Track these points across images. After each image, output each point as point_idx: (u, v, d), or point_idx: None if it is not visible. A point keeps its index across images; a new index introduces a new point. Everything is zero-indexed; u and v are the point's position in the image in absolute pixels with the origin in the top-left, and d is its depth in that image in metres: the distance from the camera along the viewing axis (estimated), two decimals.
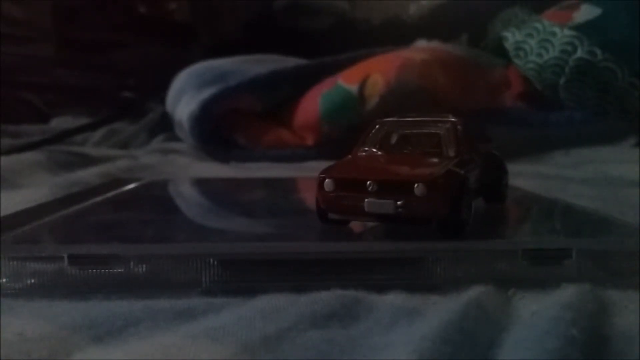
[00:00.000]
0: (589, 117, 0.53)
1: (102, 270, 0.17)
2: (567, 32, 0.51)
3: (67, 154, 0.51)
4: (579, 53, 0.51)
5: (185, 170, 0.50)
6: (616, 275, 0.18)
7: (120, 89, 0.88)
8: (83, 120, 0.70)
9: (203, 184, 0.38)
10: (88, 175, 0.40)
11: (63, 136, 0.59)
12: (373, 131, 0.23)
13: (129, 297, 0.17)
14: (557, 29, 0.52)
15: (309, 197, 0.34)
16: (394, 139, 0.22)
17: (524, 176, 0.40)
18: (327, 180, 0.19)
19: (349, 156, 0.22)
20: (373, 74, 0.54)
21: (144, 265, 0.17)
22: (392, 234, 0.20)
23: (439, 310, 0.16)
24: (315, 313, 0.15)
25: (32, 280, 0.17)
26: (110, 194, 0.28)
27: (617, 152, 0.49)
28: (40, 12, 0.88)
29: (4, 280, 0.17)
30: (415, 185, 0.18)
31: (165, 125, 0.67)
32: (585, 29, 0.51)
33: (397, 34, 0.72)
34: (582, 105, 0.53)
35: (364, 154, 0.22)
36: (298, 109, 0.57)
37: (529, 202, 0.28)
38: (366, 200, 0.18)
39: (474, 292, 0.16)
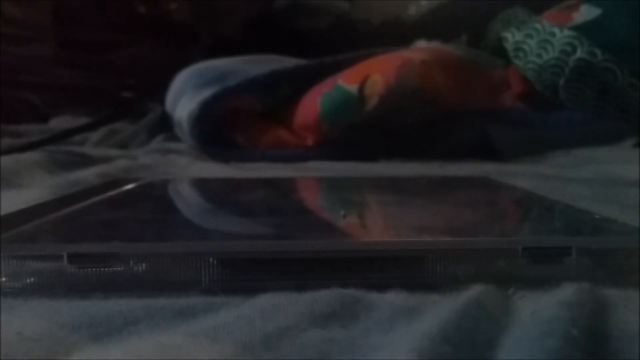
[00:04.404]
0: (588, 117, 0.53)
1: (102, 269, 0.17)
2: (566, 32, 0.52)
3: (66, 153, 0.51)
4: (579, 53, 0.51)
5: (184, 170, 0.50)
6: (616, 273, 0.18)
7: (119, 89, 0.88)
8: (82, 120, 0.70)
9: (203, 184, 0.38)
10: (88, 175, 0.40)
11: (62, 136, 0.59)
12: None
13: (129, 295, 0.17)
14: (556, 30, 0.52)
15: (309, 197, 0.34)
16: None
17: (524, 176, 0.40)
18: None
19: None
20: (373, 74, 0.54)
21: (144, 264, 0.17)
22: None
23: (439, 309, 0.16)
24: (315, 312, 0.15)
25: (32, 279, 0.17)
26: (109, 194, 0.28)
27: (617, 153, 0.49)
28: (40, 11, 0.88)
29: (4, 279, 0.17)
30: None
31: (164, 126, 0.67)
32: (584, 30, 0.51)
33: (397, 34, 0.72)
34: (582, 105, 0.53)
35: None
36: (298, 109, 0.57)
37: (529, 201, 0.28)
38: None
39: (473, 291, 0.16)
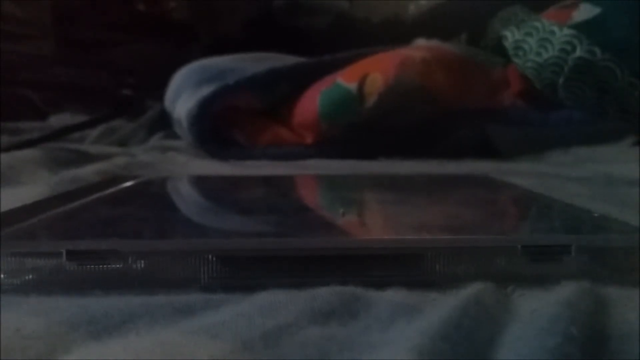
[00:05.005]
0: (588, 116, 0.53)
1: (101, 266, 0.17)
2: (566, 31, 0.51)
3: (65, 151, 0.51)
4: (578, 52, 0.51)
5: (183, 168, 0.50)
6: (615, 272, 0.18)
7: (118, 87, 0.88)
8: (81, 118, 0.70)
9: (201, 182, 0.38)
10: (86, 172, 0.40)
11: (61, 133, 0.59)
12: None
13: (127, 293, 0.17)
14: (556, 28, 0.52)
15: (308, 195, 0.34)
16: None
17: (523, 175, 0.40)
18: None
19: None
20: (372, 73, 0.54)
21: (143, 261, 0.17)
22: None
23: (438, 307, 0.15)
24: (315, 310, 0.15)
25: (31, 276, 0.17)
26: (108, 191, 0.28)
27: (616, 151, 0.49)
28: (40, 10, 0.88)
29: (3, 276, 0.17)
30: None
31: (163, 123, 0.67)
32: (584, 28, 0.51)
33: (397, 32, 0.72)
34: (581, 104, 0.53)
35: None
36: (297, 107, 0.57)
37: (528, 200, 0.28)
38: None
39: (473, 289, 0.16)
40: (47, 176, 0.40)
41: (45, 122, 0.78)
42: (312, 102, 0.56)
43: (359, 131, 0.55)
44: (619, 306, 0.16)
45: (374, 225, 0.25)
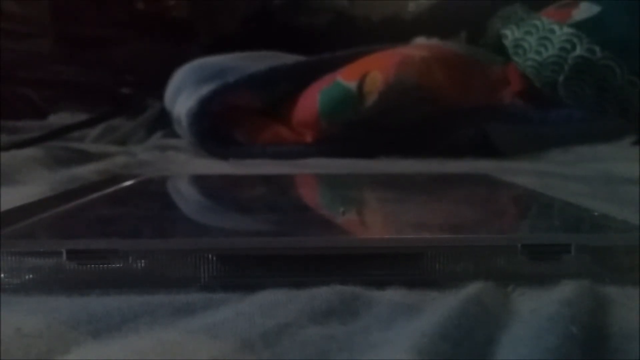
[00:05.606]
0: (587, 115, 0.53)
1: (101, 266, 0.17)
2: (566, 29, 0.51)
3: (65, 150, 0.51)
4: (578, 51, 0.51)
5: (183, 167, 0.50)
6: (615, 271, 0.18)
7: (118, 86, 0.88)
8: (81, 117, 0.70)
9: (201, 181, 0.38)
10: (86, 171, 0.40)
11: (61, 132, 0.59)
12: None
13: (128, 292, 0.17)
14: (556, 27, 0.52)
15: (308, 194, 0.34)
16: None
17: (523, 173, 0.40)
18: None
19: None
20: (372, 71, 0.54)
21: (143, 261, 0.17)
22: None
23: (438, 307, 0.15)
24: (315, 309, 0.15)
25: (31, 276, 0.17)
26: (108, 190, 0.28)
27: (616, 150, 0.49)
28: (39, 7, 0.88)
29: (3, 275, 0.17)
30: None
31: (163, 122, 0.67)
32: (584, 27, 0.51)
33: (396, 31, 0.72)
34: (581, 103, 0.53)
35: None
36: (297, 105, 0.57)
37: (528, 199, 0.28)
38: None
39: (473, 288, 0.16)
40: (47, 175, 0.40)
41: (44, 121, 0.78)
42: (312, 101, 0.56)
43: (358, 130, 0.55)
44: (619, 305, 0.16)
45: (374, 224, 0.25)
